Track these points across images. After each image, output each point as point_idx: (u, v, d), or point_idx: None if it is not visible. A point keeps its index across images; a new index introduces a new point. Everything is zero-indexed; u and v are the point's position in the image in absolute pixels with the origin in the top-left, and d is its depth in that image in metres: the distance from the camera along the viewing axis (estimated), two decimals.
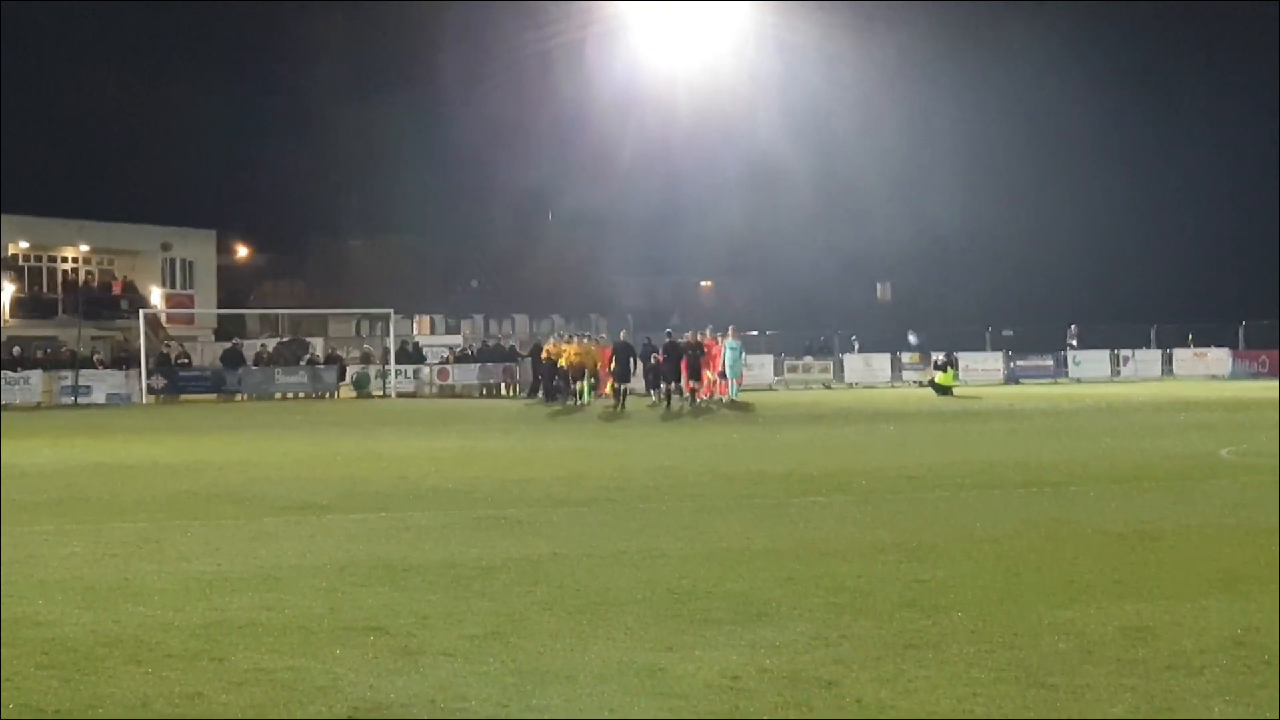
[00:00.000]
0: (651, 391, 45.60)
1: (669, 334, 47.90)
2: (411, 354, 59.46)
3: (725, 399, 44.57)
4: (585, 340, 48.70)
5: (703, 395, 44.02)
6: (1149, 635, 9.68)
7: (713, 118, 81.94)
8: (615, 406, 42.03)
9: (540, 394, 49.25)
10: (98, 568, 12.92)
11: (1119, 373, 66.19)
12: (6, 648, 9.59)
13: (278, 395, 54.53)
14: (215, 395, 53.90)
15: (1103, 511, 16.38)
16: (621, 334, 48.64)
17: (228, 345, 59.25)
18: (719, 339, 45.75)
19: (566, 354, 46.74)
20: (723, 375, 45.44)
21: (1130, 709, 7.89)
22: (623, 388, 43.30)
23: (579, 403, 44.80)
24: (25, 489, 19.94)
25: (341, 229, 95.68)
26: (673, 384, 43.52)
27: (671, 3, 75.11)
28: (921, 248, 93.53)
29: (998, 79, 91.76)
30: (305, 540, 14.57)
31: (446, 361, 58.59)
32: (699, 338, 44.95)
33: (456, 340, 71.12)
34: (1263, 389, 52.72)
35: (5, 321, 67.30)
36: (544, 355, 48.99)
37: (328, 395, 55.21)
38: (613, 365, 43.64)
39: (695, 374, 43.68)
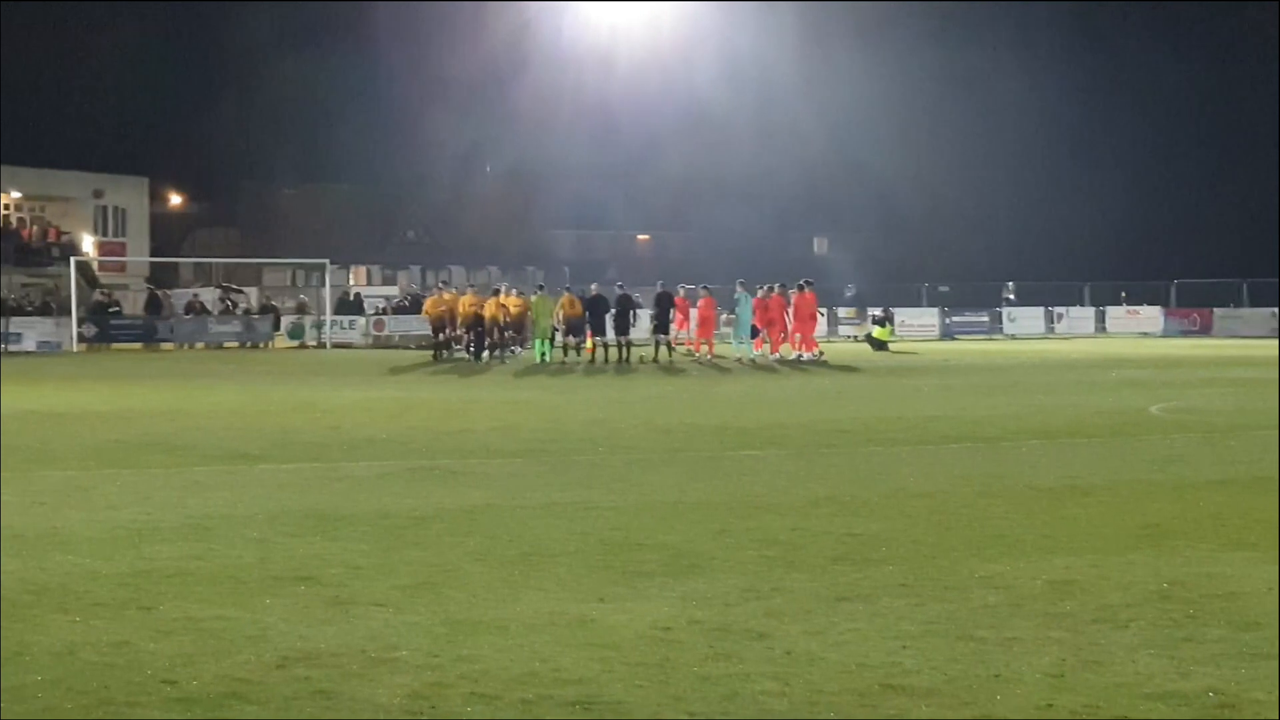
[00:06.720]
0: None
1: (619, 286, 46.37)
2: (352, 304, 59.12)
3: (808, 356, 41.83)
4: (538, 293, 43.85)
5: (788, 349, 42.25)
6: (1076, 589, 9.76)
7: (651, 70, 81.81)
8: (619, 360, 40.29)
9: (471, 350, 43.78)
10: (25, 516, 12.79)
11: (1053, 329, 66.79)
12: None
13: (211, 345, 54.12)
14: (146, 344, 53.46)
15: (1034, 467, 16.51)
16: (591, 286, 44.78)
17: (150, 294, 58.65)
18: (790, 293, 43.06)
19: (495, 306, 42.91)
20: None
21: (1057, 661, 7.94)
22: (624, 340, 41.43)
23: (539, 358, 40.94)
24: None
25: (276, 178, 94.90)
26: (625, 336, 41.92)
27: None
28: (859, 203, 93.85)
29: (936, 33, 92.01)
30: (236, 490, 14.48)
31: (383, 313, 58.26)
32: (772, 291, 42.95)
33: (393, 291, 70.77)
34: (1193, 346, 53.34)
35: None
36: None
37: (262, 345, 54.87)
38: (587, 317, 41.26)
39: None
